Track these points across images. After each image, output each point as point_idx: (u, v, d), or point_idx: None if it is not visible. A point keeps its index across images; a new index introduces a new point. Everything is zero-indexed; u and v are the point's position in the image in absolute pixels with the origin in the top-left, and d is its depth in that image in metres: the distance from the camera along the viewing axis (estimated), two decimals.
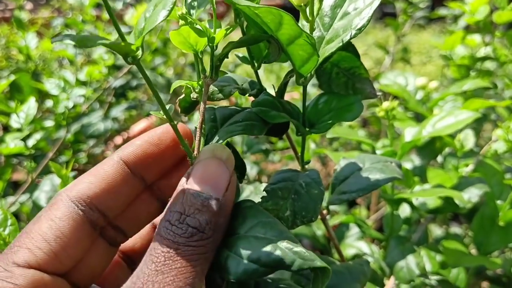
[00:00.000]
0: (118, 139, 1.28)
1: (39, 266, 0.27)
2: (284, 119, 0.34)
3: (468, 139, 0.59)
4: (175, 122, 0.30)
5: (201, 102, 0.32)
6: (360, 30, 0.32)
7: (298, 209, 0.35)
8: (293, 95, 1.38)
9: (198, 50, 0.32)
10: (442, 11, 1.62)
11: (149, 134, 0.32)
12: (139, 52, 0.27)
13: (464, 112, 0.53)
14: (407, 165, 0.69)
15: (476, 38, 0.80)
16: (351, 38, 0.32)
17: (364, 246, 0.66)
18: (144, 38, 0.26)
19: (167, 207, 0.28)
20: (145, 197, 0.33)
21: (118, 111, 1.04)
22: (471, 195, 0.54)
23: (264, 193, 0.40)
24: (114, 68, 1.05)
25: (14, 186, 1.06)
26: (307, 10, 0.31)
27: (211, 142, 0.33)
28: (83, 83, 0.91)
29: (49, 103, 1.12)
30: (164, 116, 0.30)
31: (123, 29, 1.26)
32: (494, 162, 0.63)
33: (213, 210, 0.27)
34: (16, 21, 1.52)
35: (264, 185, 0.42)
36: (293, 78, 0.37)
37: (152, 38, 1.21)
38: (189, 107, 0.38)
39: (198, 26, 0.31)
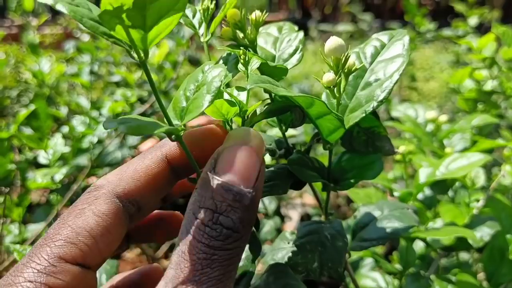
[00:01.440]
0: (127, 159, 1.31)
1: (84, 262, 0.27)
2: (316, 179, 0.38)
3: (478, 177, 0.62)
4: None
5: None
6: (381, 102, 0.35)
7: (325, 261, 0.38)
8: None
9: (228, 118, 0.35)
10: (446, 32, 1.65)
11: (192, 133, 0.32)
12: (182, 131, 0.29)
13: (475, 154, 0.55)
14: (419, 196, 0.71)
15: (483, 72, 0.83)
16: (373, 110, 0.35)
17: (379, 277, 0.68)
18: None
19: (194, 198, 0.26)
20: (163, 173, 0.32)
21: (135, 139, 1.08)
22: (483, 234, 0.56)
23: (289, 237, 0.43)
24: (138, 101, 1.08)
25: (28, 208, 1.09)
26: (335, 89, 0.34)
27: None
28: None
29: (64, 128, 1.16)
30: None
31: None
32: (503, 197, 0.65)
33: (244, 206, 0.25)
34: (30, 46, 1.56)
35: (288, 231, 0.45)
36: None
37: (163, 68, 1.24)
38: None
39: (227, 96, 0.34)
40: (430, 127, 0.79)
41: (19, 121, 1.09)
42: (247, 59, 0.30)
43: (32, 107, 1.12)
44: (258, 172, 0.26)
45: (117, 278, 0.38)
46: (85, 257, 0.26)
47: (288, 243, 0.43)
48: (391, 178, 0.78)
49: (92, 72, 1.29)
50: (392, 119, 1.11)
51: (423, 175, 0.57)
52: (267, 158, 0.44)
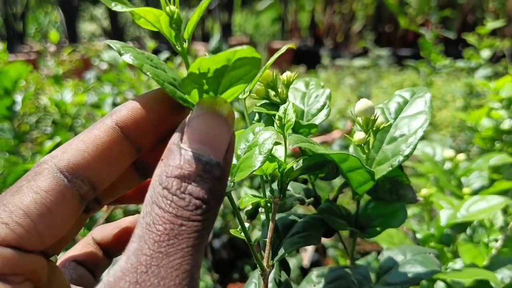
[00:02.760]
0: None
1: (18, 245, 0.23)
2: (345, 227, 0.40)
3: (497, 218, 0.63)
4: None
5: (271, 221, 0.37)
6: (407, 156, 0.37)
7: None
8: (333, 135, 1.46)
9: (267, 173, 0.37)
10: (459, 64, 1.68)
11: (146, 97, 0.29)
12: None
13: (495, 197, 0.57)
14: None
15: (500, 112, 0.85)
16: (399, 164, 0.37)
17: None
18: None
19: (161, 169, 0.24)
20: (129, 167, 0.29)
21: None
22: (503, 276, 0.57)
23: (314, 280, 0.45)
24: None
25: None
26: (364, 146, 0.36)
27: (279, 252, 0.38)
28: None
29: None
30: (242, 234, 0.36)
31: None
32: None
33: (214, 176, 0.24)
34: (54, 77, 1.61)
35: (315, 273, 0.47)
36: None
37: None
38: (253, 213, 0.43)
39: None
40: (447, 165, 0.81)
41: (44, 152, 1.12)
42: (283, 122, 0.32)
43: (57, 139, 1.16)
44: (228, 142, 0.25)
45: (97, 232, 0.35)
46: (19, 240, 0.23)
47: (314, 286, 0.45)
48: (410, 215, 0.79)
49: (114, 104, 1.33)
50: None
51: (444, 217, 0.59)
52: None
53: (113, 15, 4.78)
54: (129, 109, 0.28)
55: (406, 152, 0.38)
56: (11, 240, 0.23)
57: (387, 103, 0.42)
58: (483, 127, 0.87)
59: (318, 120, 0.41)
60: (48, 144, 1.15)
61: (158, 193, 0.23)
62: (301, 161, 0.35)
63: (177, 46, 0.29)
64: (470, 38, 1.62)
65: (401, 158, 0.38)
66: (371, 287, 0.41)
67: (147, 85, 1.46)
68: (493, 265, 0.59)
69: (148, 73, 0.26)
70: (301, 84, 0.45)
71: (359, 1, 4.56)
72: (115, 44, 0.28)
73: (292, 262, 0.68)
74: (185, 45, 0.29)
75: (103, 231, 0.34)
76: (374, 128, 0.36)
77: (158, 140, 0.29)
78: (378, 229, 0.41)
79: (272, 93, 0.39)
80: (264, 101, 0.39)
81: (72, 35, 4.78)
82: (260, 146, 0.29)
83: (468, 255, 0.63)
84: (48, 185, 0.25)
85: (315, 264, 1.15)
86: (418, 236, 0.60)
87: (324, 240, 1.34)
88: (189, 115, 0.25)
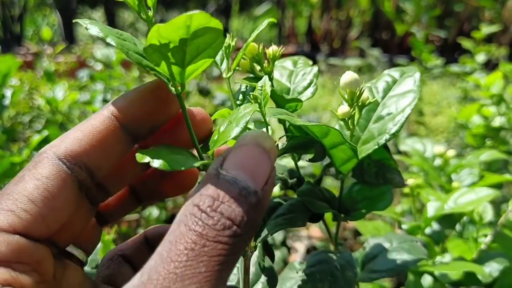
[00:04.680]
0: None
1: (26, 231, 0.24)
2: (326, 210, 0.38)
3: (486, 212, 0.62)
4: None
5: None
6: (393, 135, 0.36)
7: None
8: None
9: None
10: (454, 68, 1.68)
11: (141, 88, 0.29)
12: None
13: (484, 189, 0.56)
14: (427, 230, 0.71)
15: (491, 108, 0.85)
16: (385, 142, 0.36)
17: None
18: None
19: (194, 189, 0.23)
20: (132, 156, 0.29)
21: None
22: (491, 269, 0.56)
23: (297, 267, 0.44)
24: None
25: None
26: (349, 121, 0.35)
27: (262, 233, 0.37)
28: None
29: None
30: None
31: None
32: None
33: (250, 203, 0.22)
34: (46, 74, 1.59)
35: (297, 260, 0.45)
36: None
37: None
38: None
39: None
40: (438, 162, 0.80)
41: (32, 146, 1.10)
42: (260, 101, 0.31)
43: (45, 132, 1.14)
44: (268, 174, 0.24)
45: (150, 231, 0.35)
46: (26, 226, 0.24)
47: (297, 272, 0.43)
48: (399, 212, 0.78)
49: (105, 100, 1.31)
50: (400, 152, 1.12)
51: (432, 209, 0.58)
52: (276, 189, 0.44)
53: (110, 18, 4.77)
54: (125, 100, 0.29)
55: (393, 130, 0.36)
56: (19, 226, 0.24)
57: (376, 82, 0.41)
58: (474, 124, 0.86)
59: (304, 97, 0.40)
60: (36, 137, 1.13)
61: (188, 210, 0.22)
62: (285, 140, 0.34)
63: (141, 14, 0.28)
64: (466, 43, 1.62)
65: (387, 136, 0.36)
66: (355, 272, 0.40)
67: (140, 82, 1.45)
68: (481, 259, 0.58)
69: (112, 42, 0.26)
70: (289, 62, 0.44)
71: (356, 8, 4.57)
72: (84, 21, 0.28)
73: (276, 255, 0.67)
74: (150, 13, 0.28)
75: (157, 231, 0.35)
76: (359, 103, 0.35)
77: (152, 129, 0.30)
78: (363, 211, 0.40)
79: (257, 67, 0.38)
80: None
81: (69, 38, 4.75)
82: (238, 120, 0.29)
83: (456, 250, 0.62)
84: (49, 172, 0.25)
85: None
86: (404, 227, 0.59)
87: (315, 242, 1.33)
88: (234, 144, 0.25)
